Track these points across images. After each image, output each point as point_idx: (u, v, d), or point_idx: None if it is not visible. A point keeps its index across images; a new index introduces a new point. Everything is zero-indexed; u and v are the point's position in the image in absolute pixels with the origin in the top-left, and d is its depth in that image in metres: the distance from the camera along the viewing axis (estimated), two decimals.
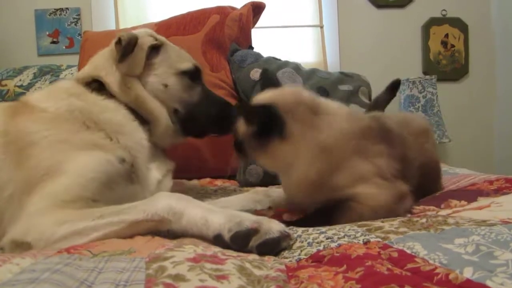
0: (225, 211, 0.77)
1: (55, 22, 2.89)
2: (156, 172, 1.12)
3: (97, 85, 1.14)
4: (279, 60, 1.88)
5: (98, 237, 0.77)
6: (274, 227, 0.73)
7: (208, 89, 1.30)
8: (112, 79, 1.14)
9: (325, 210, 0.87)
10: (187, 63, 1.23)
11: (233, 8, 2.03)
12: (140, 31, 1.22)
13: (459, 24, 3.05)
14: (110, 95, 1.13)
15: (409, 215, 0.82)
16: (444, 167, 1.43)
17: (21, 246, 0.77)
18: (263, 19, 2.26)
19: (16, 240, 0.78)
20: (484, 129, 3.08)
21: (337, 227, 0.76)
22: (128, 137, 1.06)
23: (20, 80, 2.15)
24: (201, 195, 1.35)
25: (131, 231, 0.79)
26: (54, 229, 0.76)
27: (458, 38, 3.07)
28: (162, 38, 1.25)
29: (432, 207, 0.94)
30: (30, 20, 2.86)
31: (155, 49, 1.20)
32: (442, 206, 0.94)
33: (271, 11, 2.29)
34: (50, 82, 2.12)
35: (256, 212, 1.04)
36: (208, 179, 1.64)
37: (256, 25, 2.23)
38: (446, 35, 3.06)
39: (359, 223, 0.76)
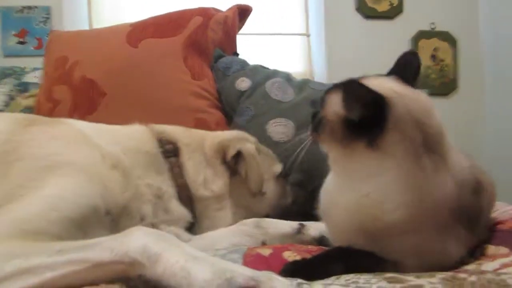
0: (212, 262, 0.58)
1: (22, 21, 2.67)
2: None
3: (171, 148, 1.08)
4: (268, 69, 1.71)
5: (54, 277, 0.61)
6: (277, 286, 0.54)
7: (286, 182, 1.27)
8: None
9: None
10: (278, 164, 1.22)
11: (217, 10, 1.85)
12: (231, 136, 1.17)
13: (448, 38, 2.98)
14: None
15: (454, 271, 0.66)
16: None
17: None
18: (248, 26, 2.11)
19: None
20: (474, 146, 2.98)
21: (361, 281, 0.59)
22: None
23: None
24: None
25: (95, 274, 0.62)
26: (0, 264, 0.61)
27: (447, 52, 2.99)
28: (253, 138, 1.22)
29: None
30: None
31: None
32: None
33: (256, 17, 2.14)
34: (14, 86, 1.89)
35: (248, 250, 0.86)
36: None
37: (240, 32, 2.06)
38: (435, 49, 2.97)
39: (388, 276, 0.59)
